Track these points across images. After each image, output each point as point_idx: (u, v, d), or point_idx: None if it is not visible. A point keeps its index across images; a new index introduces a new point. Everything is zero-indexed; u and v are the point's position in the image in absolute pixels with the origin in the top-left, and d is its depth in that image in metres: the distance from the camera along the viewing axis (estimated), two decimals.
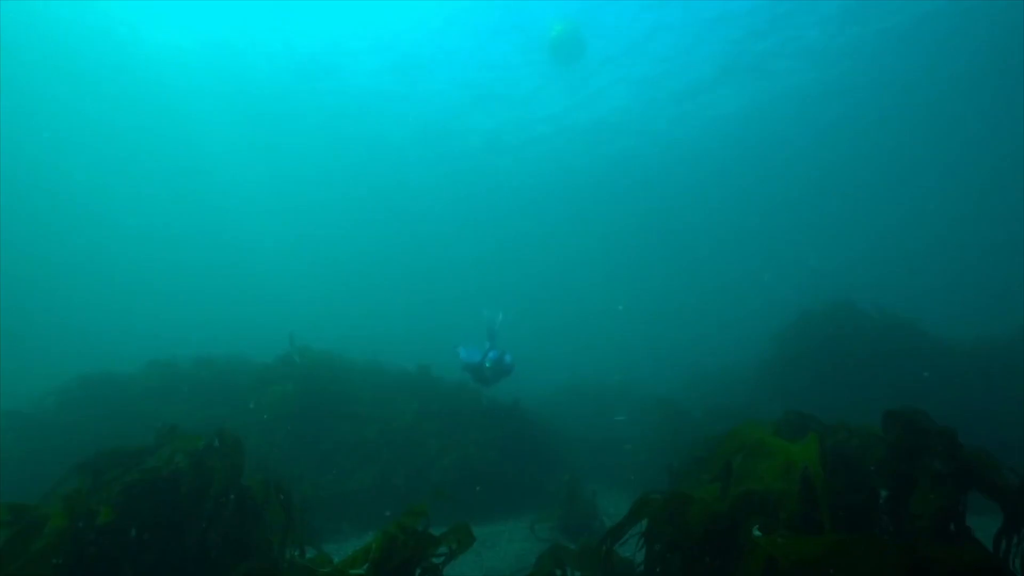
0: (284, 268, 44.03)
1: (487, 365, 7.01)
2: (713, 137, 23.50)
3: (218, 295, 45.00)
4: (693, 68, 18.74)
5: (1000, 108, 20.05)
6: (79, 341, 29.91)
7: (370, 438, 7.81)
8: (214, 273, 42.69)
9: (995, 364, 8.54)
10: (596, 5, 16.06)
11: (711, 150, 24.56)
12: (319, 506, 6.17)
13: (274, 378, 8.71)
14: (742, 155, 25.18)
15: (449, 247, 38.81)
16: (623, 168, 26.62)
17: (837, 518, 2.96)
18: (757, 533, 2.47)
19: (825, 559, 2.25)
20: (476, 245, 38.36)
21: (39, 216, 30.30)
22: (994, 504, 3.01)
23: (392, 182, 29.93)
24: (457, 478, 7.10)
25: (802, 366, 9.17)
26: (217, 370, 9.63)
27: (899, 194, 29.24)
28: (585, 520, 5.58)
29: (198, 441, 3.91)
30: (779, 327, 11.11)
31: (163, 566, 3.48)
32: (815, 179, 27.37)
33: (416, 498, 5.29)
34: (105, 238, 35.10)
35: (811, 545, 2.34)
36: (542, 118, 23.10)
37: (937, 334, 9.71)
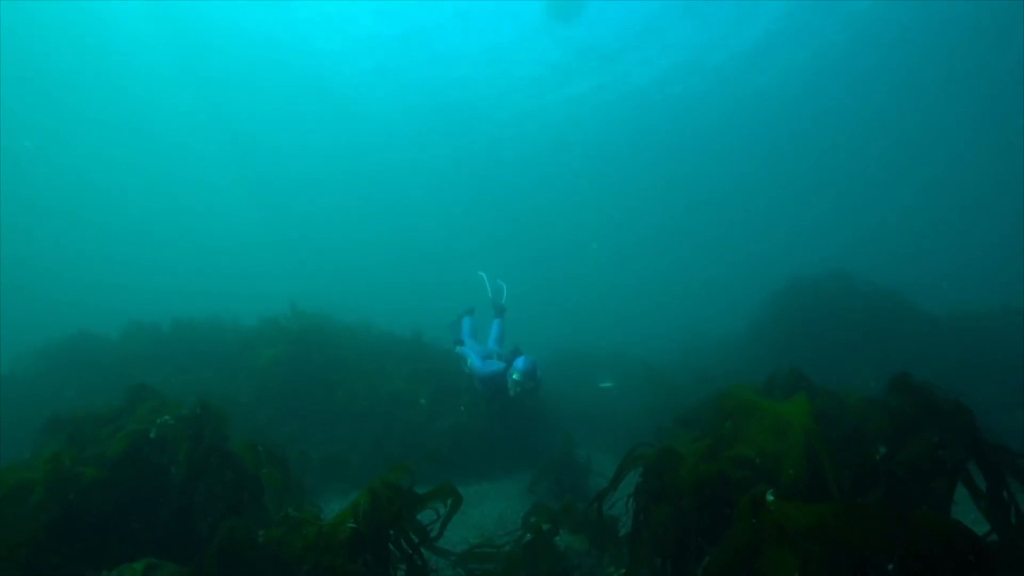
0: (265, 241, 43.75)
1: (515, 377, 5.46)
2: (719, 109, 23.31)
3: (196, 265, 44.63)
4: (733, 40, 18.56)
5: (993, 90, 19.94)
6: (54, 309, 29.71)
7: (363, 402, 7.77)
8: (192, 243, 42.39)
9: (975, 335, 8.67)
10: None
11: (717, 122, 24.42)
12: (310, 469, 6.16)
13: (262, 341, 8.58)
14: (745, 130, 25.05)
15: (442, 220, 38.67)
16: (621, 140, 26.36)
17: (840, 481, 2.93)
18: (770, 498, 2.41)
19: (835, 526, 2.17)
20: (470, 218, 38.19)
21: (8, 186, 29.63)
22: None
23: (381, 156, 29.72)
24: (451, 442, 7.10)
25: (791, 332, 9.23)
26: (200, 333, 9.48)
27: (897, 173, 29.25)
28: (579, 480, 5.63)
29: (180, 407, 3.83)
30: (769, 294, 11.15)
31: (150, 527, 3.44)
32: (818, 156, 27.35)
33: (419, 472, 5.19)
34: (79, 207, 34.65)
35: (822, 512, 2.25)
36: (544, 91, 22.89)
37: (922, 305, 9.81)
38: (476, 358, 6.13)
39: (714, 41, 18.97)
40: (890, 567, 2.17)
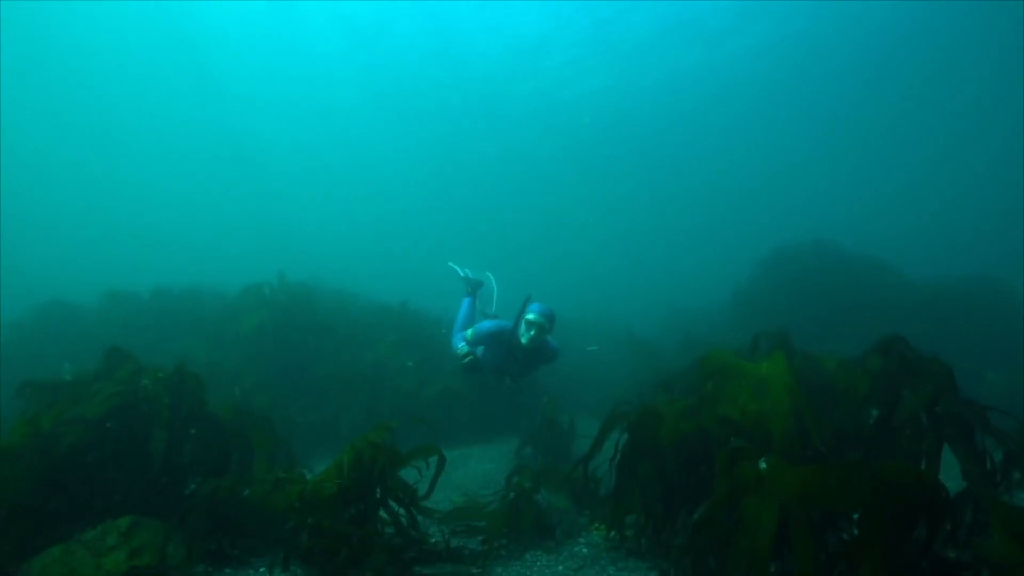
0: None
1: (531, 318, 4.69)
2: (709, 86, 23.11)
3: (176, 240, 43.98)
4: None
5: (981, 63, 19.90)
6: (29, 283, 29.40)
7: (349, 369, 7.77)
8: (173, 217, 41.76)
9: (952, 303, 8.86)
10: None
11: (707, 98, 24.27)
12: (299, 434, 6.18)
13: (246, 309, 8.49)
14: (735, 105, 24.92)
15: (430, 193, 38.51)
16: (608, 112, 26.11)
17: (824, 438, 2.99)
18: (763, 465, 2.43)
19: (821, 487, 2.20)
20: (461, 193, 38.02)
21: None
22: None
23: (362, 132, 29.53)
24: (440, 408, 7.15)
25: (774, 300, 9.36)
26: (182, 303, 9.35)
27: (889, 144, 29.33)
28: (562, 442, 5.71)
29: (158, 371, 3.79)
30: (752, 264, 11.25)
31: (134, 487, 3.43)
32: (805, 122, 27.24)
33: (400, 427, 5.08)
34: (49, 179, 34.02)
35: (811, 474, 2.27)
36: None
37: (903, 273, 9.98)
38: (458, 337, 5.34)
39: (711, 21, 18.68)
40: (855, 516, 2.24)
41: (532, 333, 4.65)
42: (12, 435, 3.10)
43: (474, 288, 7.07)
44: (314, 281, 10.30)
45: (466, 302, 6.92)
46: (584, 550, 3.34)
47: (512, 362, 4.94)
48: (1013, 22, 16.89)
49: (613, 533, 3.33)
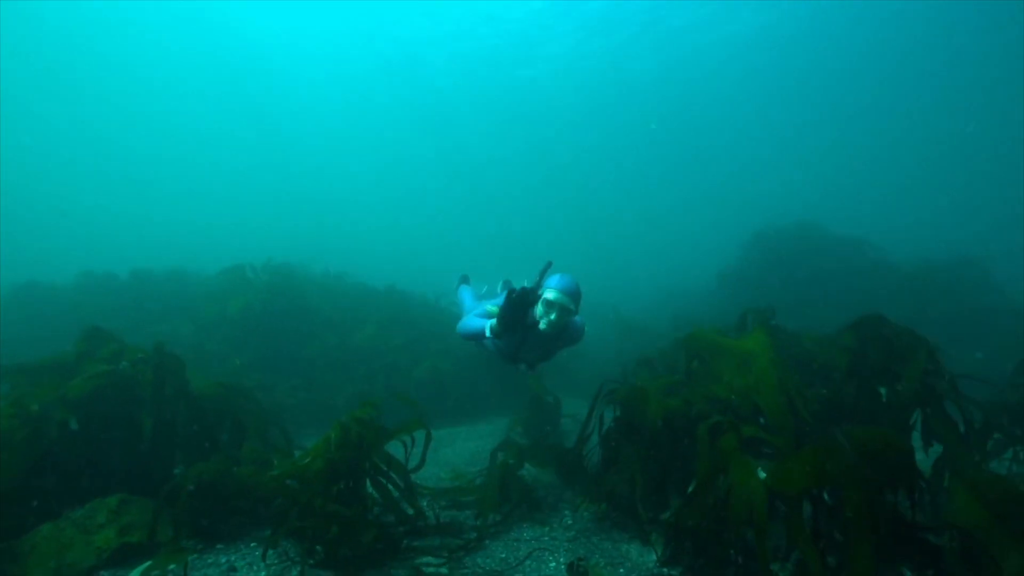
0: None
1: (551, 297, 3.48)
2: (698, 64, 23.06)
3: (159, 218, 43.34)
4: None
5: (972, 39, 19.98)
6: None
7: (338, 350, 7.75)
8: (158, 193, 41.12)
9: (932, 282, 9.07)
10: None
11: (695, 78, 24.25)
12: (289, 414, 6.16)
13: (229, 290, 8.40)
14: (722, 85, 24.90)
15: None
16: (598, 97, 26.07)
17: (809, 411, 3.08)
18: (762, 475, 2.37)
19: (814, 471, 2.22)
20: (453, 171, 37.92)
21: None
22: None
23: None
24: (430, 388, 7.19)
25: (759, 280, 9.51)
26: (163, 285, 9.23)
27: (880, 121, 29.50)
28: (550, 420, 5.80)
29: (137, 352, 3.77)
30: (738, 245, 11.38)
31: (121, 466, 3.42)
32: (794, 108, 27.38)
33: (390, 407, 4.94)
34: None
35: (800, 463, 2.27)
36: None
37: (885, 254, 10.17)
38: (476, 321, 4.05)
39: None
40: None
41: (552, 317, 3.45)
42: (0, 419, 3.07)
43: (463, 279, 6.39)
44: (298, 262, 10.22)
45: (462, 288, 6.14)
46: (570, 522, 3.43)
47: (528, 348, 3.86)
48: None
49: (604, 505, 3.41)
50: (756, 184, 37.29)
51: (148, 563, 2.33)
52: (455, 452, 5.26)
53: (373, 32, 22.65)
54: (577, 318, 3.76)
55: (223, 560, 2.83)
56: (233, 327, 7.69)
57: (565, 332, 3.72)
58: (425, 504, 3.61)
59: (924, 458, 2.87)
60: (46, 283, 8.84)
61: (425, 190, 42.78)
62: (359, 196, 45.17)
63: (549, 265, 3.71)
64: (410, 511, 3.29)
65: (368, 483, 3.17)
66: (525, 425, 5.83)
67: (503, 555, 2.97)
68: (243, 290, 8.29)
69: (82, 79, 26.85)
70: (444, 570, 2.75)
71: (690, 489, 2.92)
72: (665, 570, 2.76)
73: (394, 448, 3.30)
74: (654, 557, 2.88)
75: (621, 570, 2.80)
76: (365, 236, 43.88)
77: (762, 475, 2.45)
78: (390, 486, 3.25)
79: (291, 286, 8.85)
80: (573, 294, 3.52)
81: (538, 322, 3.52)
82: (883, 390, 3.26)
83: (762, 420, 3.08)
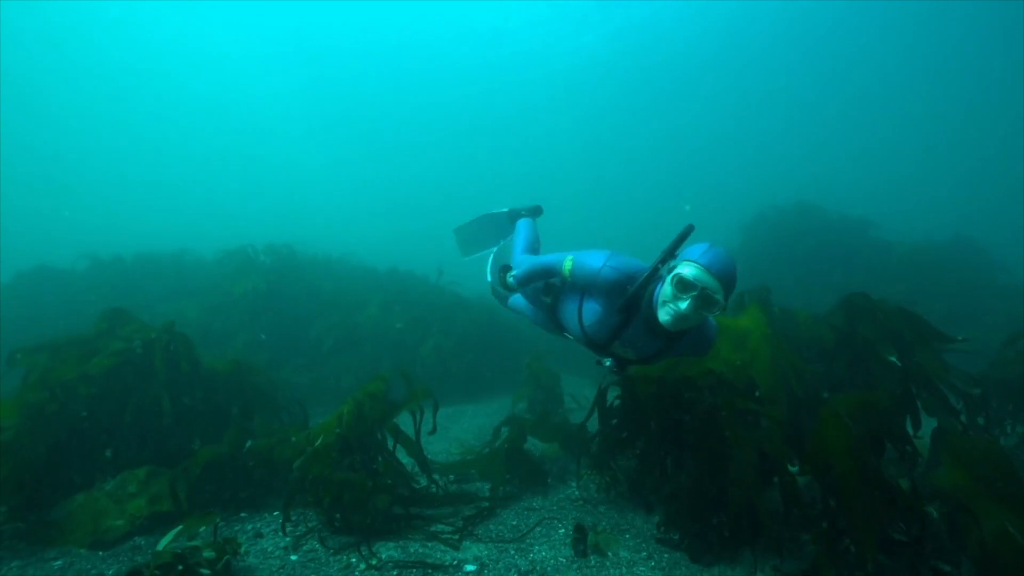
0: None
1: (688, 275, 2.10)
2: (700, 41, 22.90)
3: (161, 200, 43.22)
4: None
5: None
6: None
7: (343, 330, 7.86)
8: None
9: (932, 260, 9.20)
10: None
11: (696, 59, 24.10)
12: (295, 393, 6.29)
13: (235, 272, 8.49)
14: (723, 66, 24.76)
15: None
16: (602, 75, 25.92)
17: (798, 386, 3.22)
18: (794, 469, 2.48)
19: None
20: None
21: None
22: None
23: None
24: (435, 366, 7.33)
25: (758, 261, 9.60)
26: (168, 268, 9.31)
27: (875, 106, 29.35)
28: (551, 397, 5.95)
29: (150, 331, 3.88)
30: (737, 226, 11.46)
31: (144, 440, 3.55)
32: (794, 89, 27.22)
33: (396, 383, 4.97)
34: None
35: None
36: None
37: (881, 235, 10.27)
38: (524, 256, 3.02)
39: None
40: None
41: (683, 308, 2.12)
42: (27, 393, 3.18)
43: (532, 212, 3.89)
44: (301, 244, 10.27)
45: (525, 222, 3.74)
46: (576, 492, 3.60)
47: (629, 341, 2.44)
48: None
49: (609, 478, 3.57)
50: (759, 167, 37.16)
51: (180, 527, 2.47)
52: (463, 428, 5.43)
53: (371, 21, 22.57)
54: (712, 320, 2.46)
55: (248, 527, 2.99)
56: (239, 308, 7.79)
57: (693, 335, 2.39)
58: (437, 477, 3.76)
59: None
60: (54, 268, 8.92)
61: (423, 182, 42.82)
62: (357, 186, 45.19)
63: (690, 230, 2.35)
64: (423, 481, 3.45)
65: (380, 456, 3.31)
66: (529, 401, 6.00)
67: (514, 523, 3.13)
68: (247, 271, 8.38)
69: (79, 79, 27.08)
70: (457, 537, 2.91)
71: (688, 460, 3.07)
72: (668, 535, 2.92)
73: (404, 424, 3.43)
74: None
75: (627, 535, 2.96)
76: (365, 222, 44.05)
77: (793, 470, 2.45)
78: (401, 459, 3.39)
79: (295, 267, 8.95)
80: (727, 277, 2.13)
81: (656, 309, 2.21)
82: (893, 358, 3.33)
83: (757, 393, 3.22)
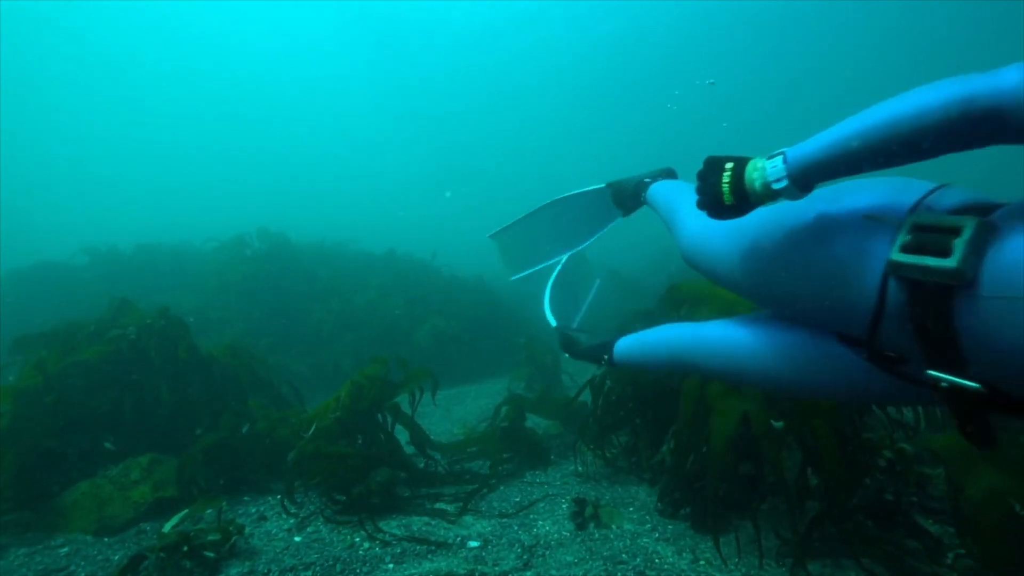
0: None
1: None
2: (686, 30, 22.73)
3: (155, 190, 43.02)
4: None
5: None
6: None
7: (341, 316, 7.85)
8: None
9: None
10: None
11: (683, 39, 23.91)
12: (294, 377, 6.31)
13: (231, 259, 8.45)
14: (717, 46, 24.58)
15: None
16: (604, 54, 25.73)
17: None
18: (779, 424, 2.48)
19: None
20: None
21: None
22: None
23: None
24: (435, 349, 7.34)
25: None
26: (166, 256, 9.27)
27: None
28: (550, 376, 5.98)
29: (146, 318, 3.86)
30: None
31: (144, 427, 3.56)
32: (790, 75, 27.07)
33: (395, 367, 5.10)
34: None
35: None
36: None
37: None
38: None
39: None
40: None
41: None
42: (22, 380, 3.17)
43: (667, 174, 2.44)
44: (293, 230, 10.22)
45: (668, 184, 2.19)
46: (580, 469, 3.62)
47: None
48: None
49: (609, 453, 3.59)
50: (749, 142, 36.86)
51: (185, 511, 2.48)
52: (466, 410, 5.45)
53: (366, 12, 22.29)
54: None
55: (252, 511, 3.00)
56: (235, 295, 7.78)
57: None
58: (439, 456, 3.78)
59: None
60: (53, 262, 8.91)
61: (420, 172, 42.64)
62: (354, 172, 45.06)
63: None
64: (423, 462, 3.46)
65: (381, 435, 3.32)
66: (527, 380, 6.03)
67: (517, 499, 3.15)
68: (244, 258, 8.36)
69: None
70: (459, 514, 2.93)
71: (673, 430, 3.08)
72: (669, 508, 2.94)
73: (408, 409, 3.43)
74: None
75: (631, 508, 2.99)
76: (362, 206, 43.98)
77: (778, 425, 2.52)
78: (401, 439, 3.40)
79: (290, 253, 8.91)
80: None
81: None
82: None
83: None
